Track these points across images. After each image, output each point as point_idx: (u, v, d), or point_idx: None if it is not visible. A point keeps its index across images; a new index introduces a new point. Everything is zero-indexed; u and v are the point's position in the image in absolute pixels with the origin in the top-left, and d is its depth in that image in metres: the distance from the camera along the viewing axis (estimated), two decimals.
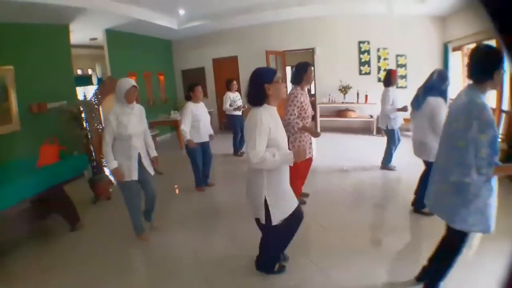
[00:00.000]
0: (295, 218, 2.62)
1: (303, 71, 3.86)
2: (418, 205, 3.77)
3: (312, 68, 4.12)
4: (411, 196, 3.92)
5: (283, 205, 2.51)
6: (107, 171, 5.27)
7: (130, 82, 3.31)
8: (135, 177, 3.38)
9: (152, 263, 3.26)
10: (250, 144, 2.28)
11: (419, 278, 2.53)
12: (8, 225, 3.24)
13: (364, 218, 3.98)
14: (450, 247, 2.29)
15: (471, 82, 2.09)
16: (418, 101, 3.66)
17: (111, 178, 5.27)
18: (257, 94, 2.39)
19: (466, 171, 1.99)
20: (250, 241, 3.04)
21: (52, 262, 3.31)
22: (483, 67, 2.00)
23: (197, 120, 4.76)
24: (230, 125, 7.02)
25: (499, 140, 2.10)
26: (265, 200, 2.43)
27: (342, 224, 3.74)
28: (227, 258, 3.17)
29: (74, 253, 3.50)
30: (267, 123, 2.32)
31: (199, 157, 4.93)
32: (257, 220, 2.62)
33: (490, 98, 5.95)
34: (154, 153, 3.68)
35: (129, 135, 3.28)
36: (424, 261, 2.52)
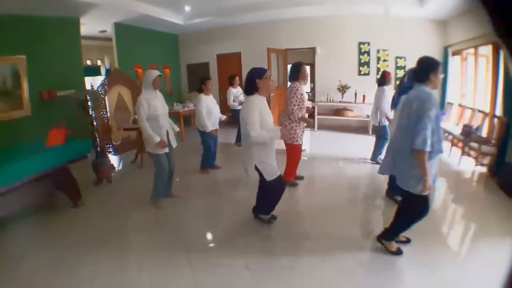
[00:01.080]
0: (279, 183, 3.45)
1: (297, 70, 4.49)
2: (391, 192, 4.21)
3: (306, 67, 4.60)
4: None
5: (269, 169, 3.31)
6: (109, 156, 5.66)
7: (155, 72, 4.00)
8: (166, 150, 4.08)
9: (151, 224, 3.76)
10: (249, 122, 3.08)
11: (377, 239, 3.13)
12: (17, 198, 3.60)
13: (346, 200, 4.54)
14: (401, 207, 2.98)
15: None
16: (393, 102, 4.04)
17: (112, 163, 5.69)
18: (250, 87, 3.23)
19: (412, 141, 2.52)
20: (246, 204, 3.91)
21: (55, 230, 3.75)
22: (423, 71, 2.69)
23: (209, 111, 5.26)
24: (236, 119, 7.31)
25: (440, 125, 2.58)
26: (262, 163, 3.28)
27: (327, 203, 4.35)
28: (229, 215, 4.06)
29: (75, 223, 3.92)
30: (258, 106, 3.15)
31: (212, 143, 5.47)
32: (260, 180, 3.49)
33: (481, 103, 6.21)
34: (176, 128, 4.51)
35: (158, 115, 3.95)
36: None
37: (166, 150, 4.07)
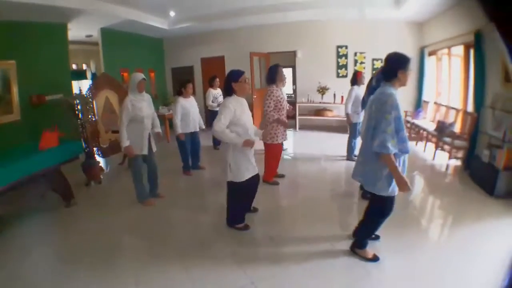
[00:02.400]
0: (253, 183, 3.64)
1: (274, 72, 4.78)
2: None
3: (282, 69, 4.94)
4: None
5: (242, 171, 3.45)
6: (98, 158, 5.90)
7: (140, 75, 4.23)
8: (145, 152, 4.29)
9: (135, 226, 3.94)
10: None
11: (353, 234, 3.17)
12: (12, 197, 3.83)
13: (323, 195, 4.79)
14: (369, 208, 2.96)
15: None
16: (363, 102, 4.41)
17: (101, 165, 5.93)
18: (227, 89, 3.44)
19: (375, 145, 2.52)
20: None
21: (49, 229, 4.00)
22: (390, 68, 2.61)
23: (187, 113, 5.51)
24: (212, 120, 7.58)
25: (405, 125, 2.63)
26: (229, 165, 3.43)
27: (306, 202, 4.58)
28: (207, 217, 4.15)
29: (68, 222, 4.15)
30: (233, 107, 3.30)
31: (188, 144, 5.71)
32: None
33: (456, 100, 6.58)
34: (158, 129, 4.64)
35: (142, 117, 4.17)
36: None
37: (144, 152, 4.28)
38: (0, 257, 3.34)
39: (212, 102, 7.41)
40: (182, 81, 5.73)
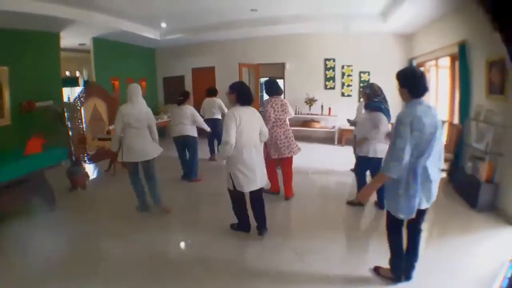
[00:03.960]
0: (234, 196, 3.67)
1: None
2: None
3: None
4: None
5: (232, 179, 3.50)
6: (84, 164, 6.02)
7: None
8: (138, 159, 4.35)
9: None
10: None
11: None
12: None
13: (320, 207, 4.90)
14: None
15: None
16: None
17: (87, 171, 6.04)
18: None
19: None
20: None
21: (31, 232, 4.05)
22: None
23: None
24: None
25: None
26: (230, 174, 3.50)
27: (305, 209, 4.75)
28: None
29: (49, 225, 4.27)
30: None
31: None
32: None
33: (443, 112, 6.54)
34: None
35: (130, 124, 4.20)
36: None
37: (137, 159, 4.29)
38: None
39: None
40: (186, 91, 6.19)
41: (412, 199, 2.50)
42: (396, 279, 2.83)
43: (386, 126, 4.18)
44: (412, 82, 2.52)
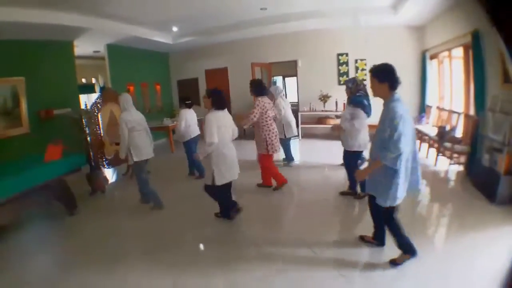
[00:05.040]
0: (211, 191, 4.09)
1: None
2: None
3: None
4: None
5: (213, 174, 3.90)
6: (103, 169, 6.14)
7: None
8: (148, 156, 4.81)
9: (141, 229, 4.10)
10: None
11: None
12: (19, 207, 4.06)
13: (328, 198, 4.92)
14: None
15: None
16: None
17: (106, 175, 6.16)
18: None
19: None
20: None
21: (53, 236, 4.21)
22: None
23: None
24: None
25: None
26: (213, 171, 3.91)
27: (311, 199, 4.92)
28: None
29: (72, 228, 4.38)
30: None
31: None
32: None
33: (459, 104, 6.49)
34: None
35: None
36: None
37: (147, 157, 4.74)
38: (4, 263, 3.54)
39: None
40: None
41: (404, 184, 2.78)
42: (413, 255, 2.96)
43: (361, 121, 4.49)
44: (392, 76, 2.78)
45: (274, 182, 5.38)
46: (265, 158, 5.19)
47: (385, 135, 2.66)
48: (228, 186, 4.11)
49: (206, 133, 3.79)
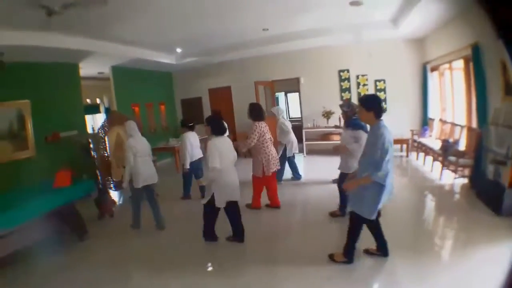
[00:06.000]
0: (206, 210, 4.21)
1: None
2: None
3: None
4: None
5: (223, 196, 4.04)
6: (111, 192, 6.17)
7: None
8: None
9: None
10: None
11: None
12: (29, 234, 4.08)
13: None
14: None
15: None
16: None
17: (114, 198, 6.19)
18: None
19: None
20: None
21: (66, 263, 4.19)
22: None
23: None
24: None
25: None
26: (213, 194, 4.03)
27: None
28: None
29: (82, 255, 4.38)
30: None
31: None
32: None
33: (461, 115, 6.53)
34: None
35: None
36: None
37: (148, 182, 4.83)
38: None
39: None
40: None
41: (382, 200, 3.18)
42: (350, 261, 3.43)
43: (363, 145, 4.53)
44: (378, 106, 3.19)
45: (264, 201, 5.51)
46: (258, 181, 5.27)
47: (376, 157, 3.01)
48: (218, 210, 4.20)
49: (208, 158, 3.92)
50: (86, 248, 4.59)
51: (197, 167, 6.14)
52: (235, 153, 4.33)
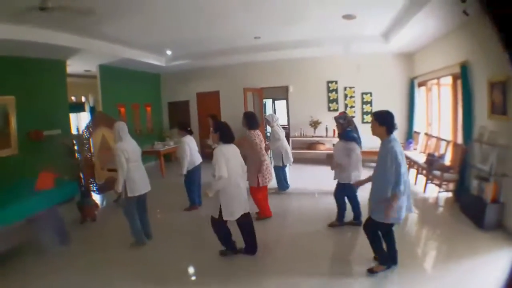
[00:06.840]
0: (214, 224, 3.94)
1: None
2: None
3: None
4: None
5: (232, 208, 3.81)
6: (94, 195, 6.01)
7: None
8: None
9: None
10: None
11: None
12: (9, 239, 3.94)
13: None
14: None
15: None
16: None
17: (97, 202, 6.04)
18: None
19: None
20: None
21: (45, 269, 4.04)
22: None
23: None
24: None
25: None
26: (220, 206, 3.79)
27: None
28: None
29: (63, 260, 4.25)
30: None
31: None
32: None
33: (446, 131, 6.63)
34: None
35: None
36: None
37: (143, 191, 4.50)
38: None
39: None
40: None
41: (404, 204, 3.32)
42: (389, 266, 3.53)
43: (357, 155, 4.65)
44: (391, 122, 3.29)
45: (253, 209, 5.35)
46: (256, 191, 5.21)
47: (392, 170, 3.13)
48: (225, 222, 3.95)
49: (215, 167, 3.67)
50: (66, 253, 4.45)
51: (199, 173, 5.96)
52: (243, 162, 4.15)
